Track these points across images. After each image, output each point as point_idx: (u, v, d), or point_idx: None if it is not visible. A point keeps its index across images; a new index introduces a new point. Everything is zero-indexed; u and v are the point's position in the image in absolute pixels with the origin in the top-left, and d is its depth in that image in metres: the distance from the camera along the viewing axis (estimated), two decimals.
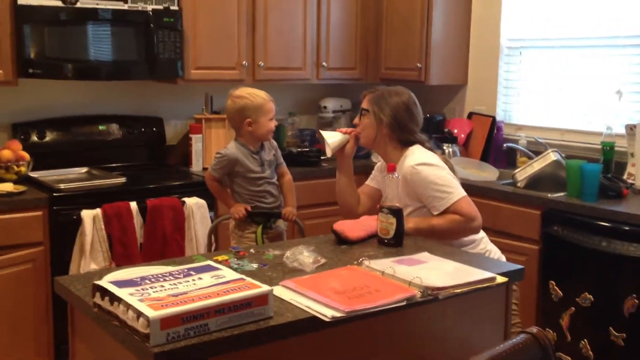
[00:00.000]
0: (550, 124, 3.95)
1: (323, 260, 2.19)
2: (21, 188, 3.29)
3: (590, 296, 2.96)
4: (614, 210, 2.95)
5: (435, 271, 2.00)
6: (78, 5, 3.47)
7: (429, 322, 1.95)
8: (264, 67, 4.17)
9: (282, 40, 4.24)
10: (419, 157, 2.56)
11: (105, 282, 1.82)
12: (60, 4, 3.43)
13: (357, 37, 4.53)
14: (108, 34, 3.61)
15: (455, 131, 4.21)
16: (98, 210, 3.29)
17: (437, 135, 4.14)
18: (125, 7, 3.63)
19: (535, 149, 3.84)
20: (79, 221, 3.25)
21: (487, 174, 3.81)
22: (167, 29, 3.76)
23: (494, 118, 4.11)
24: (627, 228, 2.88)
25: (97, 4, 3.54)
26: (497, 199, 3.45)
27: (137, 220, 3.41)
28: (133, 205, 3.40)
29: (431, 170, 2.52)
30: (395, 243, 2.38)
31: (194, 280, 1.84)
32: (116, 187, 3.50)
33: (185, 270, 1.93)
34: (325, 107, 4.62)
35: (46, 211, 3.25)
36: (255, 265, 2.18)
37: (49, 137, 3.77)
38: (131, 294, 1.72)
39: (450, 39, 4.32)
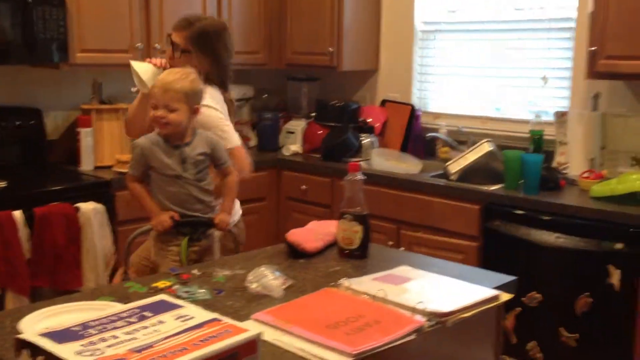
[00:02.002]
0: (470, 112, 3.83)
1: (290, 281, 1.86)
2: None
3: (539, 295, 2.84)
4: (559, 203, 2.85)
5: (431, 291, 1.74)
6: None
7: (427, 349, 1.68)
8: (161, 50, 3.70)
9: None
10: (208, 99, 2.56)
11: (33, 335, 1.38)
12: None
13: (260, 19, 4.18)
14: None
15: (370, 120, 3.98)
16: None
17: (353, 124, 3.89)
18: None
19: (456, 139, 3.71)
20: None
21: (409, 165, 3.63)
22: (48, 5, 3.22)
23: (412, 106, 3.92)
24: (575, 221, 2.79)
25: None
26: (428, 193, 3.26)
27: (23, 232, 2.90)
28: (17, 214, 2.88)
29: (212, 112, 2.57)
30: (361, 254, 2.10)
31: (153, 325, 1.45)
32: None
33: (137, 310, 1.52)
34: None
35: None
36: (208, 293, 1.81)
37: None
38: (78, 353, 1.31)
39: (361, 22, 4.08)
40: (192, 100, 2.45)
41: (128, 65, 3.60)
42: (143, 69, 2.56)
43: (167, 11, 3.72)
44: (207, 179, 2.57)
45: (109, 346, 1.34)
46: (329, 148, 3.82)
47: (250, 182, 3.80)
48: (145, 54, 3.65)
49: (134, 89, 2.66)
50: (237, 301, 1.76)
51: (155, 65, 2.59)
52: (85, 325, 1.43)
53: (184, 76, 2.43)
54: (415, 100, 4.05)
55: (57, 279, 2.96)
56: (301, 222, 3.73)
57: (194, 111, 2.46)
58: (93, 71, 3.61)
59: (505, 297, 1.75)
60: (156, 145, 2.47)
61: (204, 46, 2.59)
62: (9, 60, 3.25)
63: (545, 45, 3.55)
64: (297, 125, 4.19)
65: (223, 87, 2.69)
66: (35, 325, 1.54)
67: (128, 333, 1.40)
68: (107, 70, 3.65)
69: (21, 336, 1.38)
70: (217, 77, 2.64)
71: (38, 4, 3.16)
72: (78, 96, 3.69)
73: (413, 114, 3.91)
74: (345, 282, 1.79)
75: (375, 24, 4.17)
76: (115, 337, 1.38)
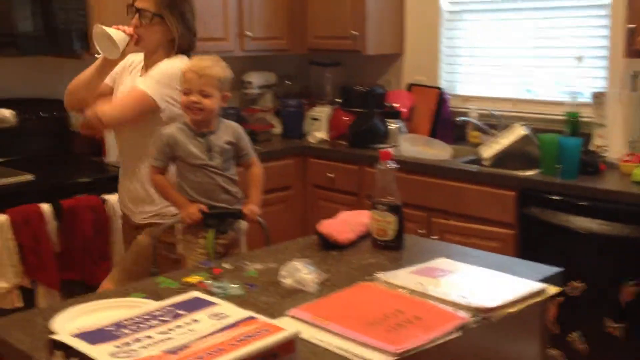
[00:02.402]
0: (500, 94, 3.72)
1: (325, 276, 1.80)
2: None
3: (581, 284, 2.76)
4: (599, 188, 2.76)
5: (473, 285, 1.67)
6: None
7: (471, 346, 1.62)
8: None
9: (201, 5, 3.67)
10: None
11: (67, 336, 1.34)
12: None
13: (281, 4, 4.10)
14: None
15: (396, 105, 3.90)
16: (3, 216, 2.74)
17: (379, 110, 3.81)
18: None
19: (487, 123, 3.61)
20: None
21: (438, 151, 3.54)
22: None
23: (441, 90, 3.82)
24: (617, 206, 2.69)
25: None
26: (460, 179, 3.18)
27: (52, 225, 2.86)
28: (45, 207, 2.85)
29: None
30: (396, 245, 2.04)
31: (188, 324, 1.40)
32: (23, 187, 2.92)
33: (170, 308, 1.48)
34: (250, 83, 4.15)
35: None
36: (241, 288, 1.75)
37: None
38: (112, 354, 1.27)
39: (385, 3, 3.99)
40: (224, 87, 2.42)
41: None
42: (114, 33, 2.40)
43: None
44: (232, 169, 2.52)
45: (144, 347, 1.30)
46: (355, 135, 3.75)
47: (276, 171, 3.77)
48: None
49: (98, 55, 2.48)
50: (270, 296, 1.70)
51: (124, 32, 2.44)
52: (118, 325, 1.39)
53: (216, 62, 2.40)
54: (443, 84, 3.95)
55: (86, 271, 2.93)
56: (328, 210, 3.71)
57: (224, 98, 2.42)
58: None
59: (553, 290, 1.67)
60: (180, 133, 2.43)
61: (175, 9, 2.48)
62: (30, 52, 3.21)
63: (579, 23, 3.42)
64: (322, 112, 4.11)
65: (188, 56, 2.56)
66: (68, 324, 1.51)
67: (162, 333, 1.36)
68: None
69: (55, 337, 1.34)
70: (187, 44, 2.54)
71: None
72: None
73: (441, 98, 3.81)
74: (381, 275, 1.73)
75: (399, 6, 4.07)
76: (149, 337, 1.34)
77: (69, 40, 3.21)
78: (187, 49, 2.54)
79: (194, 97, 2.38)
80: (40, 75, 3.52)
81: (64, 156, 3.49)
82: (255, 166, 2.55)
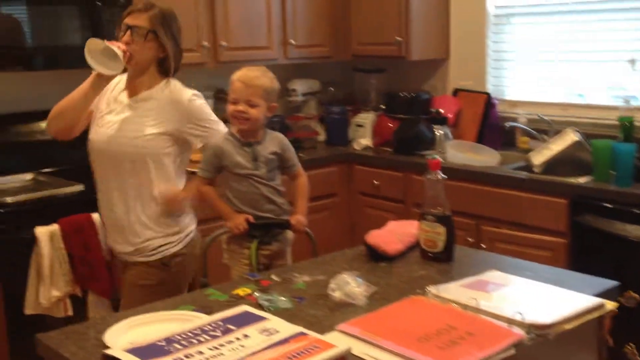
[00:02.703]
0: (550, 99, 3.63)
1: (374, 288, 1.78)
2: None
3: (636, 295, 2.66)
4: None
5: (527, 300, 1.63)
6: None
7: None
8: (227, 48, 3.68)
9: (245, 15, 3.76)
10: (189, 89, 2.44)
11: (119, 350, 1.35)
12: None
13: (324, 11, 4.09)
14: (48, 15, 3.05)
15: (442, 111, 3.85)
16: (55, 226, 2.78)
17: (425, 116, 3.76)
18: None
19: (536, 128, 3.53)
20: (32, 241, 2.73)
21: (486, 157, 3.48)
22: (115, 6, 3.21)
23: (488, 95, 3.76)
24: None
25: None
26: (509, 186, 3.12)
27: (102, 234, 2.89)
28: (96, 217, 2.88)
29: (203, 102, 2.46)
30: (446, 257, 2.00)
31: (239, 339, 1.40)
32: (73, 197, 2.96)
33: (221, 323, 1.48)
34: (294, 90, 4.16)
35: None
36: (289, 302, 1.74)
37: None
38: None
39: (430, 8, 3.94)
40: (270, 97, 2.43)
41: (197, 64, 3.62)
42: (116, 49, 2.26)
43: (232, 8, 3.69)
44: (278, 179, 2.52)
45: None
46: (401, 141, 3.71)
47: (320, 178, 3.76)
48: (212, 53, 3.63)
49: (97, 71, 2.28)
50: (319, 310, 1.69)
51: (120, 49, 2.28)
52: (169, 340, 1.40)
53: (263, 73, 2.43)
54: (490, 88, 3.88)
55: None
56: (374, 217, 3.69)
57: (270, 109, 2.43)
58: None
59: (610, 305, 1.62)
60: (227, 143, 2.45)
61: (167, 27, 2.36)
62: (78, 65, 3.26)
63: (632, 25, 3.32)
64: (366, 118, 4.09)
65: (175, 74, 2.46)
66: (119, 337, 1.52)
67: (213, 348, 1.36)
68: None
69: (108, 352, 1.36)
70: (176, 62, 2.42)
71: (106, 6, 3.16)
72: None
73: (489, 103, 3.74)
74: (432, 289, 1.70)
75: (444, 10, 4.01)
76: (200, 352, 1.34)
77: None
78: (176, 69, 2.43)
79: (240, 107, 2.41)
80: None
81: None
82: (301, 177, 2.56)
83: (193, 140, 2.41)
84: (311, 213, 2.66)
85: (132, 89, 2.38)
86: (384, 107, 4.00)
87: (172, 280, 2.40)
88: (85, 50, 2.23)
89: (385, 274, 1.93)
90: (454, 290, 1.69)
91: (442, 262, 1.99)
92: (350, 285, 1.74)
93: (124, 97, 2.38)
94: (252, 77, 2.42)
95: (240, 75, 2.44)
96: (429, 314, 1.59)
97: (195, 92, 2.43)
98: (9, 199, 2.81)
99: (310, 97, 4.26)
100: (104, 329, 1.56)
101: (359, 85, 4.40)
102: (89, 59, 2.24)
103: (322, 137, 4.17)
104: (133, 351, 1.34)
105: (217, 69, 3.75)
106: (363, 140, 3.97)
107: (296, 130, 4.05)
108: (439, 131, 3.72)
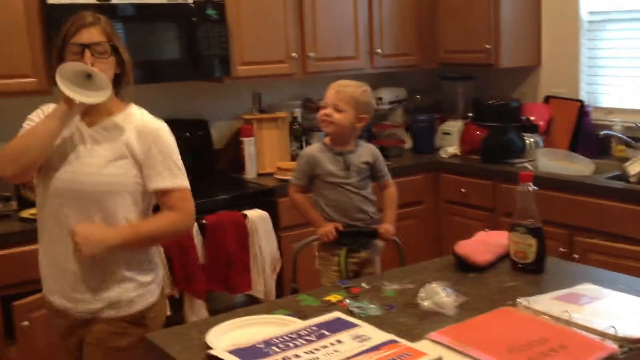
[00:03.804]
0: None
1: (463, 298, 1.80)
2: None
3: None
4: None
5: (621, 314, 1.61)
6: (114, 1, 3.06)
7: None
8: (315, 59, 3.76)
9: (333, 26, 3.83)
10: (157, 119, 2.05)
11: (223, 352, 1.44)
12: (94, 1, 3.02)
13: (411, 20, 4.11)
14: (147, 32, 3.21)
15: (533, 118, 3.79)
16: None
17: (515, 123, 3.72)
18: (165, 0, 3.22)
19: (633, 136, 3.43)
20: None
21: (580, 166, 3.40)
22: (211, 22, 3.35)
23: (582, 102, 3.68)
24: None
25: None
26: (604, 196, 3.04)
27: (197, 239, 3.03)
28: None
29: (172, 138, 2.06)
30: (536, 269, 1.99)
31: (333, 344, 1.46)
32: None
33: (315, 328, 1.55)
34: (380, 99, 4.20)
35: None
36: (379, 309, 1.79)
37: None
38: None
39: (520, 14, 3.89)
40: (360, 108, 2.50)
41: (286, 75, 3.72)
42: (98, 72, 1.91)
43: (320, 20, 3.76)
44: (369, 189, 2.58)
45: None
46: (489, 149, 3.68)
47: (407, 186, 3.78)
48: (301, 64, 3.72)
49: (82, 101, 1.90)
50: (409, 318, 1.73)
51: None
52: (268, 343, 1.47)
53: (358, 85, 2.54)
54: (583, 96, 3.79)
55: (229, 283, 3.08)
56: (462, 225, 3.68)
57: (360, 120, 2.50)
58: (252, 82, 3.73)
59: None
60: (321, 152, 2.54)
61: (118, 37, 2.02)
62: (177, 77, 3.44)
63: None
64: (454, 126, 4.08)
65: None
66: (220, 338, 1.60)
67: (309, 352, 1.43)
68: (265, 81, 3.76)
69: (212, 352, 1.44)
70: (130, 77, 2.05)
71: (202, 22, 3.30)
72: (240, 107, 3.83)
73: (582, 110, 3.66)
74: (523, 301, 1.70)
75: (536, 16, 3.95)
76: (297, 356, 1.41)
77: (211, 65, 3.39)
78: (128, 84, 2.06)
79: (327, 110, 2.50)
80: (186, 98, 3.74)
81: (207, 173, 3.69)
82: (390, 187, 2.61)
83: (151, 178, 1.99)
84: (397, 221, 2.70)
85: (91, 115, 1.99)
86: (471, 114, 3.98)
87: None
88: (58, 77, 1.88)
89: (474, 284, 1.94)
90: (546, 303, 1.69)
91: (532, 273, 1.99)
92: (439, 294, 1.77)
93: (82, 126, 1.98)
94: (344, 85, 2.54)
95: (335, 83, 2.57)
96: (520, 325, 1.60)
97: (164, 122, 2.07)
98: None
99: (397, 105, 4.29)
100: (206, 329, 1.64)
101: (446, 93, 4.39)
102: (66, 87, 1.87)
103: (408, 145, 4.19)
104: (235, 352, 1.42)
105: (305, 79, 3.84)
106: (450, 149, 3.96)
107: (382, 139, 4.08)
108: (529, 139, 3.67)
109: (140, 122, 2.01)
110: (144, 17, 3.16)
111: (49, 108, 1.99)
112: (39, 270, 2.06)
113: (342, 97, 2.51)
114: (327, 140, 2.58)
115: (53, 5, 2.92)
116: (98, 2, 3.03)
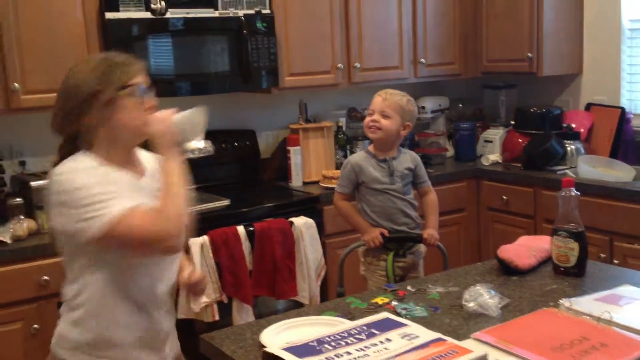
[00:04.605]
0: None
1: (507, 300, 1.87)
2: None
3: None
4: None
5: None
6: (167, 15, 3.21)
7: None
8: (360, 69, 3.85)
9: (377, 37, 3.91)
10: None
11: (277, 348, 1.53)
12: (149, 15, 3.17)
13: (455, 28, 4.18)
14: (198, 45, 3.34)
15: (574, 125, 3.82)
16: (205, 238, 3.04)
17: (556, 131, 3.75)
18: (216, 14, 3.35)
19: None
20: (185, 251, 2.99)
21: (621, 173, 3.42)
22: (260, 34, 3.47)
23: (623, 109, 3.70)
24: None
25: (187, 13, 3.27)
26: None
27: (246, 245, 3.14)
28: (240, 229, 3.13)
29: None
30: (578, 272, 2.05)
31: (382, 342, 1.55)
32: (221, 211, 3.24)
33: (365, 327, 1.63)
34: (423, 108, 4.27)
35: None
36: (425, 310, 1.87)
37: None
38: None
39: (562, 23, 3.93)
40: (406, 115, 2.60)
41: (331, 85, 3.81)
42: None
43: (366, 31, 3.85)
44: (411, 194, 2.67)
45: None
46: (531, 156, 3.72)
47: (449, 193, 3.85)
48: (346, 74, 3.81)
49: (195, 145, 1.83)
50: (454, 319, 1.80)
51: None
52: (320, 341, 1.56)
53: (403, 95, 2.65)
54: (624, 103, 3.82)
55: (275, 289, 3.18)
56: (503, 232, 3.73)
57: (404, 127, 2.60)
58: (299, 92, 3.84)
59: None
60: (365, 160, 2.63)
61: None
62: (227, 89, 3.56)
63: None
64: (495, 134, 4.13)
65: None
66: (274, 338, 1.69)
67: (360, 350, 1.51)
68: (311, 91, 3.87)
69: (268, 349, 1.54)
70: None
71: (251, 35, 3.42)
72: (286, 116, 3.95)
73: (623, 117, 3.68)
74: (565, 302, 1.76)
75: (578, 25, 3.99)
76: (348, 353, 1.50)
77: (260, 77, 3.49)
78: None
79: (375, 117, 2.60)
80: (235, 108, 3.87)
81: (254, 181, 3.82)
82: (431, 193, 2.69)
83: None
84: (440, 227, 2.77)
85: (133, 164, 1.81)
86: (513, 122, 4.03)
87: None
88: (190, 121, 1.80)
89: (517, 287, 2.01)
90: (587, 304, 1.75)
91: (574, 276, 2.05)
92: (483, 296, 1.84)
93: (132, 178, 1.77)
94: (391, 93, 2.64)
95: (382, 91, 2.67)
96: (562, 325, 1.66)
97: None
98: None
99: (439, 114, 4.36)
100: (259, 330, 1.74)
101: (488, 101, 4.44)
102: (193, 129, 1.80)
103: (450, 153, 4.25)
104: (289, 349, 1.51)
105: (350, 89, 3.94)
106: (492, 156, 4.01)
107: (425, 147, 4.16)
108: (570, 146, 3.70)
109: (156, 159, 1.84)
110: (195, 30, 3.29)
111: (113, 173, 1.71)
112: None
113: (389, 104, 2.61)
114: (370, 148, 2.67)
115: (110, 19, 3.07)
116: (152, 17, 3.17)
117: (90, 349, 1.73)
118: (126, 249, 1.66)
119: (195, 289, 1.96)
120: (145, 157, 1.87)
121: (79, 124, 1.70)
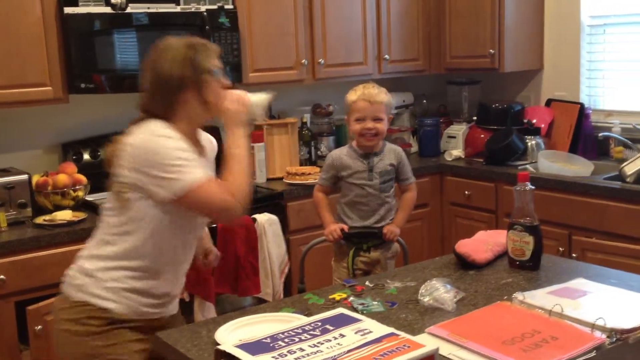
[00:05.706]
0: None
1: (462, 294, 1.89)
2: (81, 215, 3.00)
3: None
4: None
5: (611, 306, 1.69)
6: (128, 10, 3.17)
7: None
8: (324, 65, 3.85)
9: (342, 33, 3.92)
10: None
11: (230, 347, 1.52)
12: (109, 10, 3.13)
13: (419, 24, 4.20)
14: (160, 40, 3.29)
15: (534, 121, 3.87)
16: None
17: (517, 126, 3.80)
18: (178, 9, 3.32)
19: (631, 137, 3.50)
20: None
21: (579, 167, 3.48)
22: (223, 30, 3.44)
23: (582, 105, 3.76)
24: None
25: (149, 8, 3.23)
26: (602, 196, 3.12)
27: None
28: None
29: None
30: (533, 266, 2.08)
31: (335, 338, 1.55)
32: None
33: (319, 323, 1.63)
34: None
35: None
36: (381, 305, 1.88)
37: (103, 155, 3.48)
38: None
39: (523, 20, 3.97)
40: (389, 110, 2.60)
41: (295, 81, 3.81)
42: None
43: (330, 27, 3.85)
44: (391, 192, 2.66)
45: (297, 358, 1.45)
46: (492, 152, 3.76)
47: None
48: (310, 70, 3.81)
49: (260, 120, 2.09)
50: (410, 314, 1.81)
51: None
52: (274, 338, 1.56)
53: (380, 89, 2.59)
54: (584, 98, 3.88)
55: (238, 286, 3.17)
56: (465, 227, 3.76)
57: (389, 121, 2.61)
58: (263, 88, 3.80)
59: None
60: (346, 155, 2.62)
61: None
62: None
63: None
64: (459, 130, 4.17)
65: None
66: (229, 335, 1.69)
67: (313, 346, 1.51)
68: (275, 87, 3.84)
69: (220, 347, 1.53)
70: None
71: (214, 30, 3.38)
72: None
73: (582, 113, 3.74)
74: (519, 295, 1.79)
75: (539, 22, 4.04)
76: (301, 349, 1.50)
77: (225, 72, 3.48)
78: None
79: (369, 124, 2.55)
80: None
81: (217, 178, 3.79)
82: (411, 192, 2.69)
83: None
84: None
85: (197, 142, 1.99)
86: (476, 118, 4.07)
87: None
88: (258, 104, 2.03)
89: (473, 281, 2.03)
90: (540, 297, 1.77)
91: (529, 270, 2.07)
92: (439, 290, 1.85)
93: (197, 155, 1.90)
94: (374, 94, 2.55)
95: (360, 94, 2.56)
96: (514, 318, 1.68)
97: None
98: None
99: (404, 110, 4.38)
100: (215, 328, 1.73)
101: (452, 97, 4.48)
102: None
103: (414, 148, 4.27)
104: (242, 347, 1.51)
105: (314, 85, 3.94)
106: (455, 152, 4.04)
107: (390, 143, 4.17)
108: (531, 141, 3.74)
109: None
110: (157, 25, 3.24)
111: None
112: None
113: (379, 107, 2.55)
114: (354, 143, 2.66)
115: (68, 15, 3.02)
116: (113, 12, 3.13)
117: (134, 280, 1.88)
118: (196, 211, 1.86)
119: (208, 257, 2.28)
120: (204, 137, 2.06)
121: (166, 105, 1.86)
